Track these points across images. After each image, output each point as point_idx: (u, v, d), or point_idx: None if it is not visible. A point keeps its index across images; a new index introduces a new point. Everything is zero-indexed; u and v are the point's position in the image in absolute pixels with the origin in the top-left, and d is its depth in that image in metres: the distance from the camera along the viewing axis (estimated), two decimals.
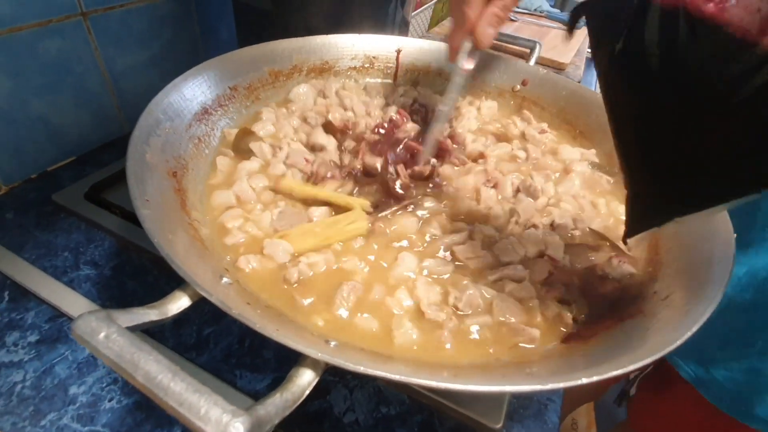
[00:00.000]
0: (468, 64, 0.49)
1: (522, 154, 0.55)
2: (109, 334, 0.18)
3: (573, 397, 1.00)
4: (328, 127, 0.53)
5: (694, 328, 0.26)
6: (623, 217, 0.41)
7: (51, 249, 0.50)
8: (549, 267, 0.38)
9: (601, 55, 0.29)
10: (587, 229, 0.44)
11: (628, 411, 0.84)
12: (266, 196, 0.44)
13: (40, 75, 0.56)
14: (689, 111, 0.24)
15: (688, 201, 0.25)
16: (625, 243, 0.32)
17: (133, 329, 0.20)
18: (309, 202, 0.44)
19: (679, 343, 0.25)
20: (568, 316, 0.35)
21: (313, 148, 0.50)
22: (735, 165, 0.23)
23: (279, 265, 0.36)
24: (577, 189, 0.50)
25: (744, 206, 0.29)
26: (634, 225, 0.30)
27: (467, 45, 0.48)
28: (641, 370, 0.76)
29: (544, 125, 0.60)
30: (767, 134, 0.21)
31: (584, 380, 0.22)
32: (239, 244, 0.38)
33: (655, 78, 0.25)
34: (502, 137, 0.59)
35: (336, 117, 0.54)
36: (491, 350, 0.32)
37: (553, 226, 0.44)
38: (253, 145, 0.47)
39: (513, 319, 0.34)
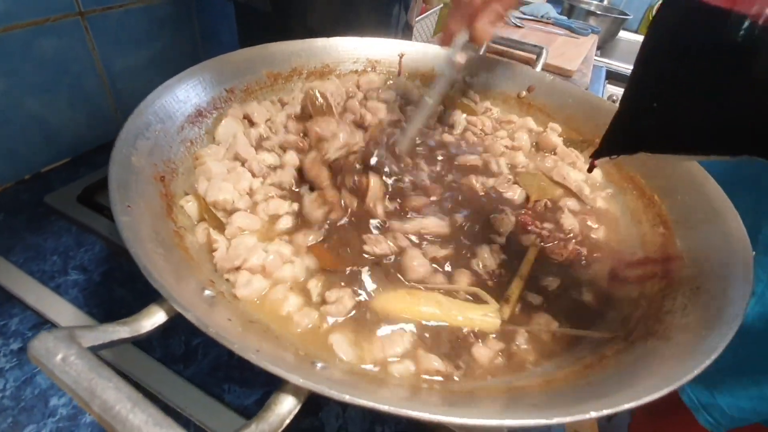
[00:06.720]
0: (460, 58, 0.46)
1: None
2: (67, 357, 0.16)
3: None
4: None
5: (713, 356, 0.24)
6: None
7: (40, 252, 0.48)
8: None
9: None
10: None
11: None
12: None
13: (36, 74, 0.55)
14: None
15: (663, 141, 0.28)
16: (592, 164, 0.33)
17: (98, 349, 0.18)
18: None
19: (696, 372, 0.23)
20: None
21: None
22: (715, 128, 0.25)
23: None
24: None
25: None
26: (607, 146, 0.32)
27: (463, 38, 0.46)
28: None
29: (487, 103, 0.63)
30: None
31: (593, 414, 0.20)
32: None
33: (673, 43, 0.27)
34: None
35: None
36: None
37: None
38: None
39: None
